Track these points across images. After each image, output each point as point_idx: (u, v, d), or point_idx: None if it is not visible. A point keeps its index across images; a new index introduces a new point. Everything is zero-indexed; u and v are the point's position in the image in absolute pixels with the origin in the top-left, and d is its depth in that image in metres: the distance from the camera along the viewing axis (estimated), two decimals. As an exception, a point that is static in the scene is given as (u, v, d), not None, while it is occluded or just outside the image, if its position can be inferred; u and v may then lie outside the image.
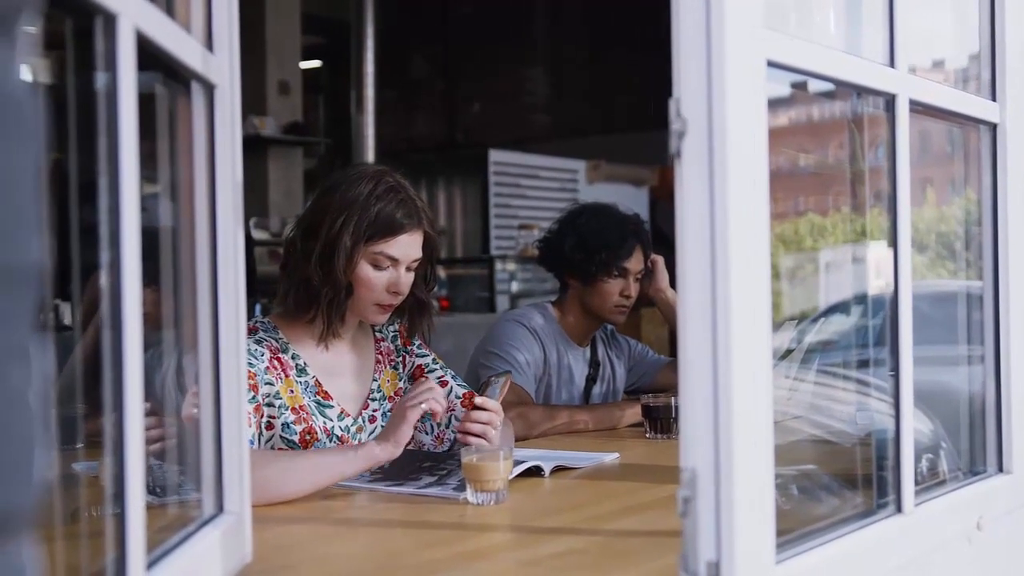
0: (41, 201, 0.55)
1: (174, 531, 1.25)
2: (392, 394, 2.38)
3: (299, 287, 2.21)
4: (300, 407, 2.20)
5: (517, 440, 2.65)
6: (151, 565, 1.07)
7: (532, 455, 2.19)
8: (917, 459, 1.56)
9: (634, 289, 3.01)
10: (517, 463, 2.03)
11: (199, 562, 1.23)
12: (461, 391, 2.40)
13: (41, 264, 0.56)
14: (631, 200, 4.93)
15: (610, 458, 2.35)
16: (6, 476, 0.53)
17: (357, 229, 2.16)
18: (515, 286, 7.47)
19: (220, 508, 1.36)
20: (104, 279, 0.99)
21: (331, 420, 2.24)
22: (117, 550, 1.00)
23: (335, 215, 2.17)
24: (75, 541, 1.13)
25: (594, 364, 3.14)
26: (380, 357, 2.39)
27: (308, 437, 2.18)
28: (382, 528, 1.75)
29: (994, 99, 1.78)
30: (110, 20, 0.98)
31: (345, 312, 2.24)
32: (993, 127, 1.78)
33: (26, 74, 0.55)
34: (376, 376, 2.37)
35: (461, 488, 1.91)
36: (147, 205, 1.08)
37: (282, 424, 2.16)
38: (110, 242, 0.99)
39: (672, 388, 3.01)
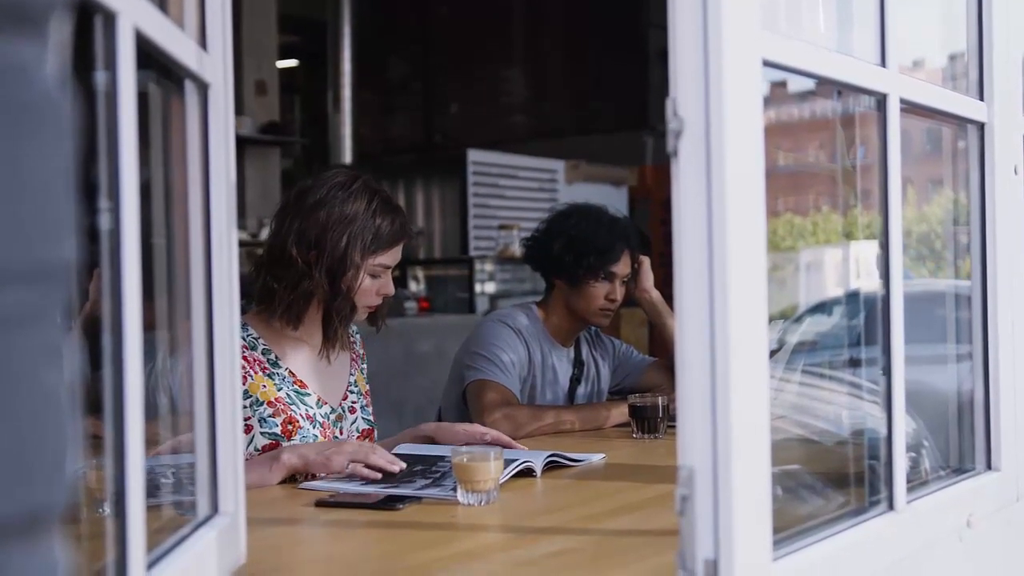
0: (74, 199, 0.55)
1: (168, 532, 1.24)
2: (364, 392, 2.46)
3: (301, 300, 2.24)
4: (276, 399, 2.23)
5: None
6: (150, 566, 1.07)
7: (521, 455, 2.19)
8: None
9: (620, 292, 3.01)
10: (508, 462, 2.03)
11: (196, 563, 1.22)
12: (363, 426, 2.45)
13: (73, 263, 0.55)
14: (610, 200, 4.92)
15: (597, 459, 2.35)
16: (43, 475, 0.53)
17: (364, 245, 2.23)
18: (494, 287, 7.45)
19: (215, 509, 1.35)
20: (104, 279, 0.98)
21: (311, 407, 2.28)
22: (117, 551, 0.99)
23: (337, 232, 2.22)
24: (70, 542, 1.12)
25: (578, 364, 3.14)
26: (353, 355, 2.47)
27: (290, 427, 2.22)
28: (375, 529, 1.75)
29: (982, 98, 1.79)
30: (110, 19, 0.98)
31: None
32: (981, 126, 1.79)
33: (58, 72, 0.55)
34: (352, 371, 2.44)
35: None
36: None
37: (259, 419, 2.18)
38: (110, 241, 0.98)
39: (657, 388, 3.01)
